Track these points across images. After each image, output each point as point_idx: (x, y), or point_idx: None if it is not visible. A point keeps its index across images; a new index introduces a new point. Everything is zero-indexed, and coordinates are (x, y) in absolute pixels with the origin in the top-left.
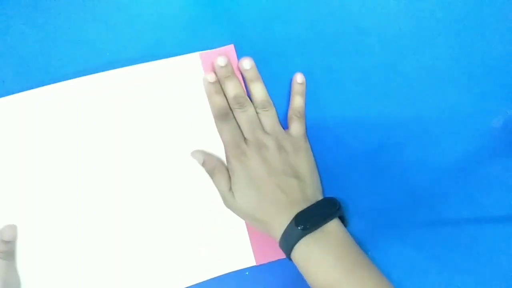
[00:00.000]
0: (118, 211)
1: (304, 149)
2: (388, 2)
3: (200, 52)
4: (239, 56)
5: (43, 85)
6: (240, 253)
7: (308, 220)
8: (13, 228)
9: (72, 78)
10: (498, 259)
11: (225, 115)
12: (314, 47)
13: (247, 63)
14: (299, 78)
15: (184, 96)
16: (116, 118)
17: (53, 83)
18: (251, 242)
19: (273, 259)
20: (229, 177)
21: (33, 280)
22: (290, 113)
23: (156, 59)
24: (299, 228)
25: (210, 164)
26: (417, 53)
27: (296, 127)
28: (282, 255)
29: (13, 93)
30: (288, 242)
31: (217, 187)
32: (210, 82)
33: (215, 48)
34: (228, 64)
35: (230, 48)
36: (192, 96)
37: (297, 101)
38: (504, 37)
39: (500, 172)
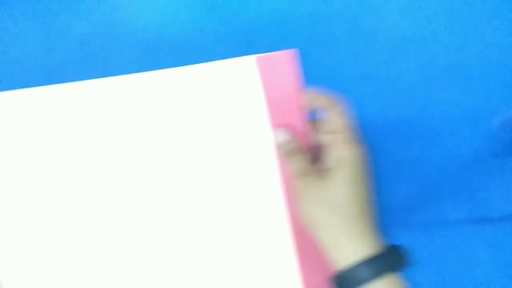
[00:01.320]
0: (163, 225)
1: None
2: (388, 2)
3: (257, 55)
4: (305, 63)
5: (43, 85)
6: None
7: (377, 264)
8: None
9: (71, 79)
10: (498, 259)
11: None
12: None
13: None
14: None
15: (235, 100)
16: (166, 118)
17: (53, 83)
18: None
19: None
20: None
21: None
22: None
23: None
24: (375, 271)
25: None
26: (417, 53)
27: None
28: None
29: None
30: (356, 280)
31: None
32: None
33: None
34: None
35: (291, 54)
36: (244, 101)
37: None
38: (504, 37)
39: (500, 172)
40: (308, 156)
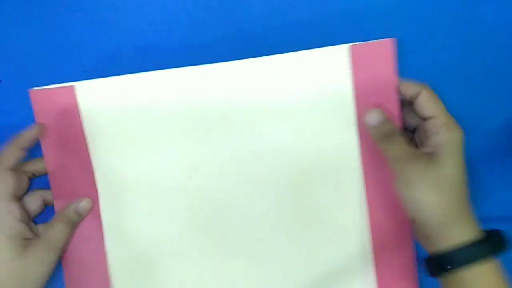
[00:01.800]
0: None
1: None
2: (388, 2)
3: (350, 44)
4: (401, 53)
5: (45, 85)
6: (360, 272)
7: (500, 246)
8: (90, 202)
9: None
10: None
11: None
12: None
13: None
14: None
15: (325, 90)
16: (254, 104)
17: (53, 83)
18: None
19: None
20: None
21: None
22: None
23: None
24: (487, 251)
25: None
26: (416, 53)
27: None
28: None
29: (13, 93)
30: (460, 259)
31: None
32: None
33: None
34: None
35: (387, 43)
36: (333, 91)
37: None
38: (505, 37)
39: (500, 172)
40: (407, 138)
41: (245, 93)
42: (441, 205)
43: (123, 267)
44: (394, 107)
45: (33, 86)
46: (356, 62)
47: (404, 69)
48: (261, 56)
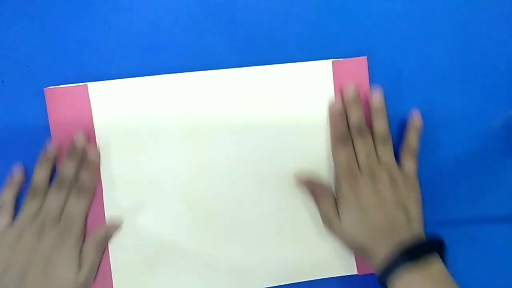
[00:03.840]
0: (228, 209)
1: (415, 187)
2: (388, 3)
3: (333, 60)
4: (370, 70)
5: (45, 85)
6: (343, 260)
7: (413, 252)
8: (118, 225)
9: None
10: (498, 259)
11: (344, 140)
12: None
13: (377, 102)
14: (416, 116)
15: (309, 101)
16: (238, 113)
17: (54, 84)
18: (354, 253)
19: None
20: (335, 200)
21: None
22: (404, 150)
23: (288, 63)
24: (404, 258)
25: (317, 186)
26: (416, 53)
27: (410, 165)
28: None
29: (14, 93)
30: (389, 270)
31: (321, 209)
32: (336, 107)
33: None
34: (357, 92)
35: (362, 60)
36: (317, 102)
37: (413, 139)
38: (505, 37)
39: (500, 172)
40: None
41: (239, 99)
42: (360, 225)
43: (124, 264)
44: (367, 116)
45: (34, 87)
46: (337, 75)
47: (399, 75)
48: (256, 61)
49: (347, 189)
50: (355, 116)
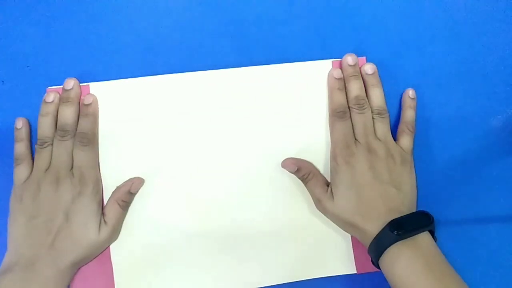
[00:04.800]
0: (223, 204)
1: (410, 163)
2: (388, 3)
3: (332, 59)
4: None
5: (45, 85)
6: (342, 259)
7: (402, 227)
8: (141, 181)
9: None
10: (498, 259)
11: (342, 112)
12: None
13: (370, 68)
14: (411, 93)
15: (309, 101)
16: (238, 113)
17: (54, 84)
18: (354, 251)
19: (374, 270)
20: (324, 180)
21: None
22: (402, 126)
23: (287, 62)
24: (393, 233)
25: (305, 169)
26: (416, 53)
27: (406, 141)
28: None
29: (15, 93)
30: (380, 245)
31: (312, 191)
32: (335, 78)
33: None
34: (357, 64)
35: (361, 60)
36: (318, 102)
37: (410, 115)
38: (504, 37)
39: (500, 172)
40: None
41: (240, 99)
42: (353, 202)
43: (126, 264)
44: None
45: (35, 87)
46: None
47: (399, 75)
48: (256, 61)
49: (343, 164)
50: (354, 87)
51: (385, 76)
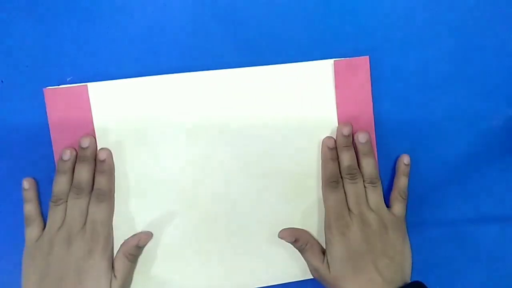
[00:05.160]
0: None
1: (403, 231)
2: (389, 2)
3: (334, 59)
4: (372, 68)
5: (45, 85)
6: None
7: None
8: (149, 235)
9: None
10: (498, 259)
11: (335, 182)
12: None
13: (363, 137)
14: (406, 159)
15: (311, 101)
16: (238, 113)
17: (54, 84)
18: None
19: None
20: (320, 248)
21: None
22: (395, 193)
23: (290, 63)
24: None
25: (303, 240)
26: (418, 52)
27: (399, 208)
28: None
29: (16, 92)
30: None
31: (308, 261)
32: (329, 148)
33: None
34: (350, 134)
35: (364, 60)
36: (319, 102)
37: (403, 182)
38: (505, 37)
39: (500, 172)
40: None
41: (240, 99)
42: (350, 272)
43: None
44: (369, 116)
45: (34, 87)
46: (339, 75)
47: (401, 75)
48: (257, 61)
49: (337, 235)
50: (347, 157)
51: (385, 76)
